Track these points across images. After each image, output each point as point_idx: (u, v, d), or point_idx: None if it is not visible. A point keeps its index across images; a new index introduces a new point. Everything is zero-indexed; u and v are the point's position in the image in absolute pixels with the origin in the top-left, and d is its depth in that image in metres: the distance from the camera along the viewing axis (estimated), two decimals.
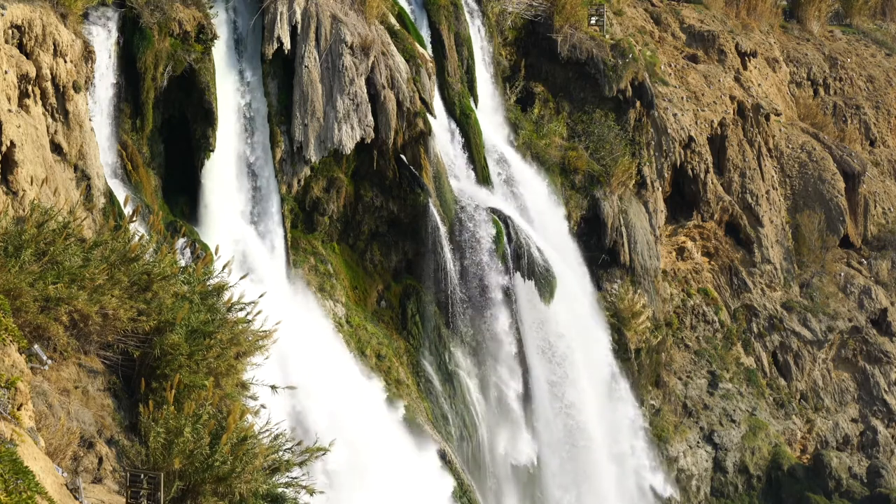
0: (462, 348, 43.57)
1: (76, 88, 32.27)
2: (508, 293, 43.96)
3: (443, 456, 39.91)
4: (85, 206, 30.85)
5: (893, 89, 70.81)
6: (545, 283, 44.67)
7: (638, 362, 51.25)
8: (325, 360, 37.93)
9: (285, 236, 40.14)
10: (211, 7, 38.73)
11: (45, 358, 18.72)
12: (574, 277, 47.53)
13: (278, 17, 39.46)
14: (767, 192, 60.04)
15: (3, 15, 29.59)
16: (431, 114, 43.11)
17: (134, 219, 23.66)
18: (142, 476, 17.74)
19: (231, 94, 39.24)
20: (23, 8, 30.45)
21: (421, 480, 38.22)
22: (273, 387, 23.17)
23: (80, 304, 19.75)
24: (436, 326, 43.04)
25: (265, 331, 22.72)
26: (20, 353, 17.36)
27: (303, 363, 34.94)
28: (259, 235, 39.34)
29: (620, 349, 50.00)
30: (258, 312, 22.93)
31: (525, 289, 44.47)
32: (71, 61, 32.01)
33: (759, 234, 59.00)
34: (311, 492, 20.89)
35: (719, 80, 59.28)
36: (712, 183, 57.16)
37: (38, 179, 28.66)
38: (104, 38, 35.64)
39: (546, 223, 47.79)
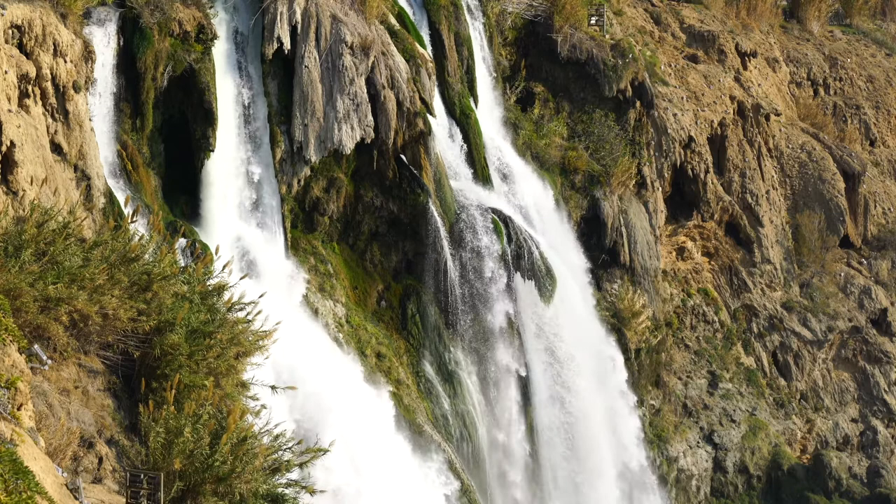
0: (462, 348, 43.55)
1: (76, 88, 32.28)
2: (508, 293, 43.93)
3: None
4: (85, 206, 30.86)
5: (893, 89, 70.79)
6: (545, 283, 44.66)
7: (638, 362, 51.24)
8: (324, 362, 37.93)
9: (285, 236, 40.14)
10: (211, 7, 38.74)
11: (45, 358, 18.72)
12: (573, 279, 47.50)
13: (278, 17, 39.46)
14: (767, 192, 60.03)
15: (3, 15, 29.59)
16: (431, 114, 43.09)
17: (134, 219, 23.67)
18: (142, 476, 17.75)
19: (231, 94, 39.24)
20: (23, 8, 30.45)
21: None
22: (273, 387, 23.20)
23: (80, 304, 19.76)
24: (436, 326, 43.02)
25: (265, 331, 22.74)
26: (20, 353, 17.36)
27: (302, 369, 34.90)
28: (259, 235, 39.34)
29: (620, 349, 49.98)
30: (258, 312, 22.95)
31: (525, 289, 44.45)
32: (71, 61, 32.01)
33: (759, 234, 59.00)
34: (312, 492, 20.91)
35: (719, 80, 59.28)
36: (712, 183, 57.16)
37: (38, 179, 28.67)
38: (104, 38, 35.65)
39: (546, 223, 47.76)
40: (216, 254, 31.43)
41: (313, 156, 40.22)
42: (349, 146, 40.49)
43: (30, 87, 30.59)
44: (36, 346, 18.66)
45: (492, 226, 43.64)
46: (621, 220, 50.85)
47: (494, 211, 44.36)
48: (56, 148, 31.61)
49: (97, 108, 35.20)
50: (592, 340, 47.68)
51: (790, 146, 63.10)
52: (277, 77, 40.19)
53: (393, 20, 44.08)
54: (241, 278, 24.31)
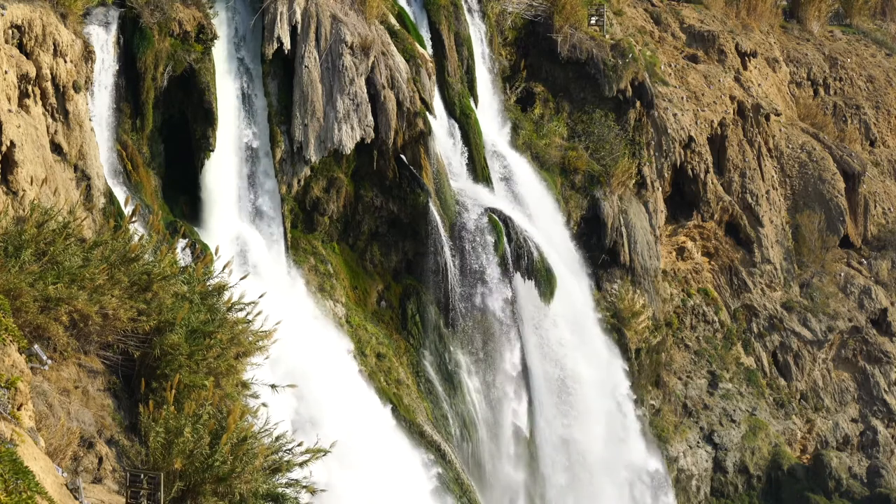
0: (462, 348, 43.58)
1: (76, 88, 32.28)
2: (508, 293, 43.94)
3: None
4: (85, 206, 30.86)
5: (893, 89, 70.78)
6: (545, 283, 44.66)
7: (638, 362, 51.24)
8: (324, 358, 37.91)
9: (285, 236, 40.15)
10: (211, 7, 38.75)
11: (45, 358, 18.72)
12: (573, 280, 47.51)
13: (278, 17, 39.46)
14: (767, 192, 60.04)
15: (3, 15, 29.60)
16: (431, 114, 43.10)
17: (134, 219, 23.69)
18: (142, 476, 17.76)
19: (231, 94, 39.25)
20: (23, 8, 30.46)
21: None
22: (273, 386, 23.21)
23: (80, 304, 19.76)
24: (436, 326, 43.04)
25: (265, 331, 22.76)
26: (20, 353, 17.36)
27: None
28: (259, 235, 39.35)
29: (620, 349, 49.98)
30: (258, 313, 22.96)
31: (525, 289, 44.46)
32: (71, 61, 32.01)
33: (759, 234, 59.00)
34: (312, 491, 20.91)
35: (719, 80, 59.29)
36: (712, 183, 57.16)
37: (38, 179, 28.67)
38: (104, 38, 35.66)
39: (546, 223, 47.76)
40: (216, 254, 31.46)
41: (313, 156, 40.22)
42: (349, 146, 40.50)
43: (30, 87, 30.59)
44: (36, 346, 18.66)
45: (492, 226, 43.65)
46: (621, 220, 50.84)
47: (494, 211, 44.36)
48: (56, 148, 31.62)
49: (97, 108, 35.21)
50: (590, 336, 47.87)
51: (790, 146, 63.10)
52: (277, 77, 40.20)
53: (393, 20, 44.09)
54: (241, 278, 24.32)
